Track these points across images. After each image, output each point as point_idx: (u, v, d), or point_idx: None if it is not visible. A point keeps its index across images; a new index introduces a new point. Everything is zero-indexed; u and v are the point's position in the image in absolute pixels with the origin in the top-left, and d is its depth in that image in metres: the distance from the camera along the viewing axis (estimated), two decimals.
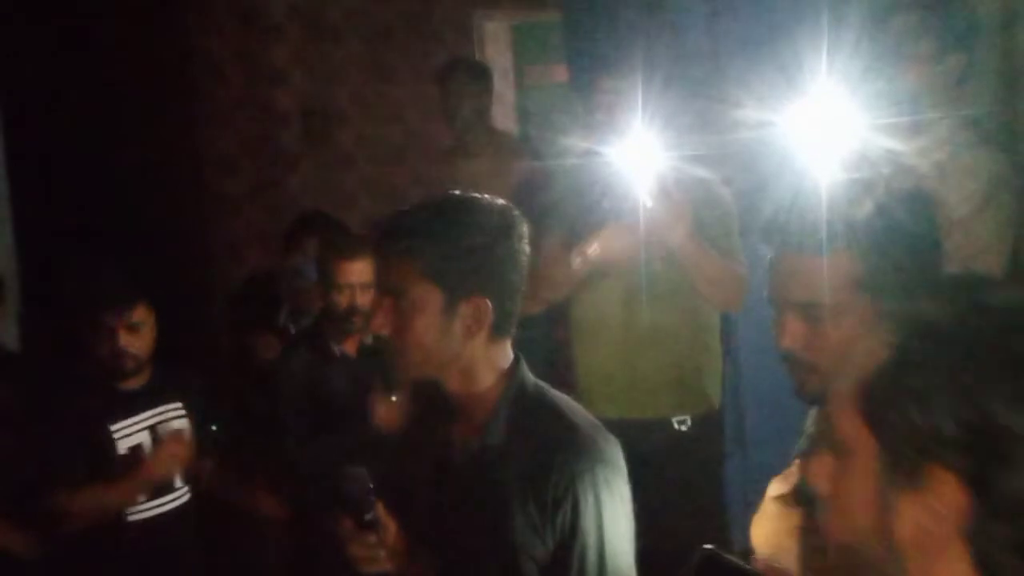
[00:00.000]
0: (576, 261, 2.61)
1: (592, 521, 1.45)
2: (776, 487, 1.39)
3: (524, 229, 1.52)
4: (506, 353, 1.55)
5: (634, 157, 2.39)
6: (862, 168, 1.44)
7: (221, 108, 4.28)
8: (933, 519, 0.75)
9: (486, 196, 1.53)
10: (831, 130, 2.01)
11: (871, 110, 1.97)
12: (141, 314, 2.50)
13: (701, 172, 2.55)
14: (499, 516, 1.47)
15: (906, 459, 0.76)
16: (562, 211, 2.74)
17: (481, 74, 3.71)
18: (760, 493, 1.55)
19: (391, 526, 1.51)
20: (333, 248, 2.78)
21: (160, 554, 2.50)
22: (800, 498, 1.31)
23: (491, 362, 1.52)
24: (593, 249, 2.61)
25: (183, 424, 2.61)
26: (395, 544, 1.52)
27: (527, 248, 1.52)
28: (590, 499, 1.45)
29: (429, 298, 1.46)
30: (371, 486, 1.49)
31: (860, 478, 0.79)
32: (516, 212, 1.53)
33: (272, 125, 4.35)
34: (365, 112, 4.55)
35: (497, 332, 1.50)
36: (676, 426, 2.71)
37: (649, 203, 2.37)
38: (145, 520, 2.50)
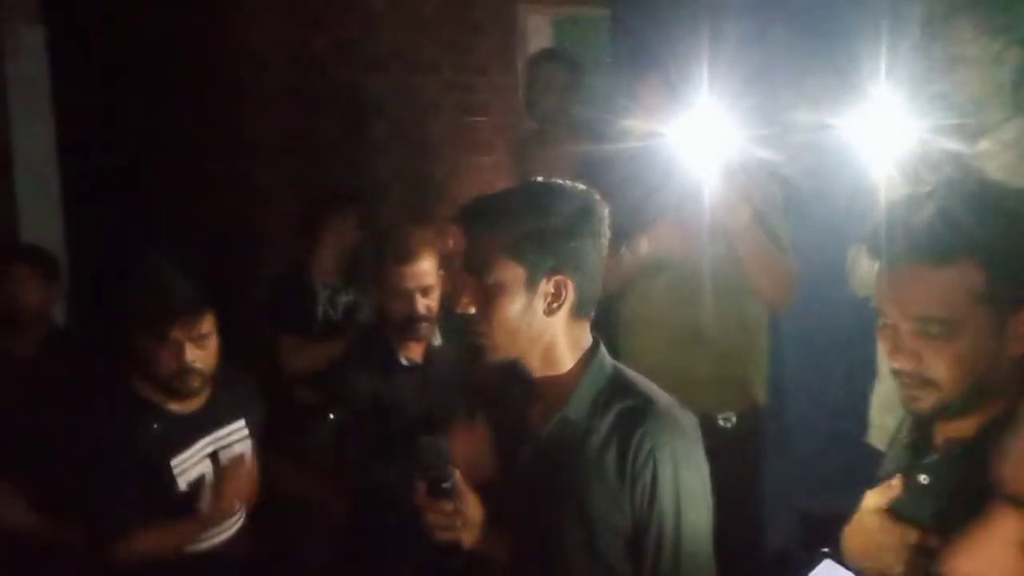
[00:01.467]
0: (626, 256, 2.58)
1: (670, 492, 1.50)
2: (875, 499, 1.36)
3: (605, 213, 1.57)
4: (586, 334, 1.60)
5: (694, 141, 2.34)
6: (991, 178, 1.37)
7: (261, 96, 4.29)
8: None
9: (568, 181, 1.58)
10: (890, 134, 1.98)
11: (932, 113, 1.93)
12: (209, 324, 2.23)
13: (764, 154, 2.50)
14: (579, 489, 1.52)
15: None
16: (621, 197, 2.72)
17: (571, 66, 3.65)
18: (800, 493, 1.53)
19: (470, 497, 1.55)
20: (390, 251, 2.58)
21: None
22: (904, 514, 1.29)
23: (573, 342, 1.58)
24: (644, 245, 2.58)
25: (245, 448, 2.39)
26: (473, 515, 1.55)
27: (607, 232, 1.58)
28: (668, 470, 1.49)
29: (512, 275, 1.51)
30: (447, 456, 1.53)
31: None
32: (597, 196, 1.58)
33: (310, 115, 4.35)
34: (404, 103, 4.54)
35: (579, 312, 1.56)
36: (721, 423, 2.69)
37: (715, 184, 2.33)
38: (206, 549, 2.31)
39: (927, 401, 1.28)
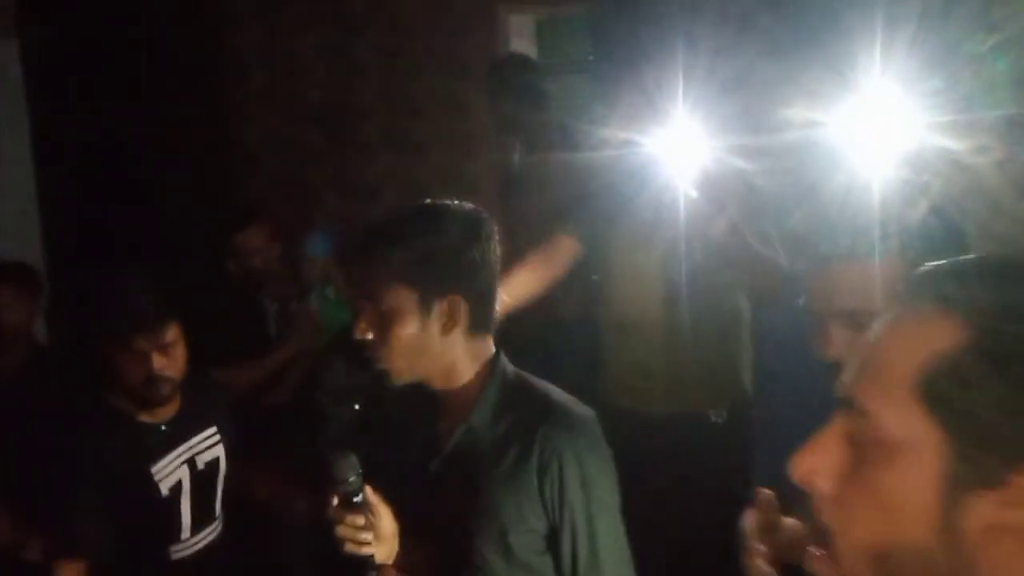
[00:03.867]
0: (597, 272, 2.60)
1: (577, 486, 1.54)
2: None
3: (492, 230, 1.63)
4: (487, 347, 1.65)
5: (672, 148, 2.35)
6: (914, 170, 1.41)
7: (245, 102, 4.25)
8: (1016, 516, 0.68)
9: (456, 201, 1.63)
10: (885, 129, 1.98)
11: (928, 109, 1.94)
12: (173, 334, 2.29)
13: (739, 163, 2.53)
14: (491, 496, 1.57)
15: (987, 453, 0.69)
16: (596, 205, 2.72)
17: (532, 70, 3.64)
18: (784, 486, 1.55)
19: (382, 511, 1.57)
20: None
21: None
22: None
23: (472, 357, 1.63)
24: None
25: (219, 452, 2.46)
26: (386, 529, 1.57)
27: (497, 248, 1.63)
28: (573, 465, 1.54)
29: (405, 300, 1.56)
30: (361, 470, 1.54)
31: (913, 476, 0.72)
32: (484, 215, 1.63)
33: (296, 119, 4.32)
34: (389, 106, 4.52)
35: (475, 328, 1.61)
36: (714, 419, 2.71)
37: (692, 194, 2.34)
38: (186, 557, 2.36)
39: None
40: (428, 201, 1.64)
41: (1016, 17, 2.00)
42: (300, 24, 4.31)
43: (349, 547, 1.56)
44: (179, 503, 2.34)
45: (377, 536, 1.56)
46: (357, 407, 2.57)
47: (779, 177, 2.63)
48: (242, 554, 2.55)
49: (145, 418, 2.33)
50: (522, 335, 2.61)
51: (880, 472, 0.74)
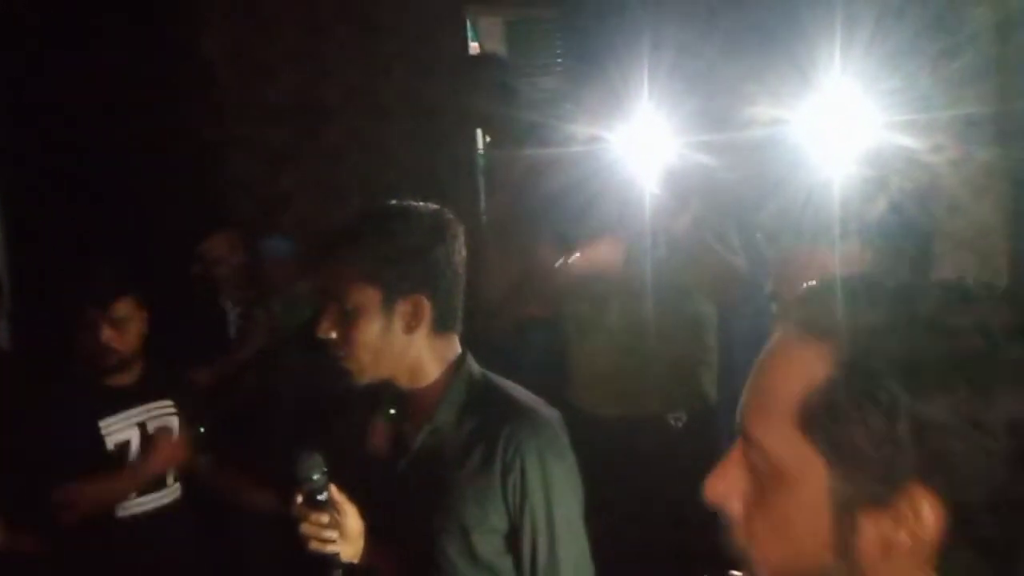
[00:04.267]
0: (560, 266, 2.60)
1: (539, 486, 1.56)
2: None
3: (457, 231, 1.66)
4: (452, 347, 1.67)
5: (638, 145, 2.37)
6: (876, 165, 1.45)
7: (212, 103, 4.23)
8: (905, 535, 0.71)
9: (421, 203, 1.66)
10: (845, 127, 2.02)
11: (886, 108, 1.97)
12: (125, 309, 2.46)
13: (704, 159, 2.54)
14: (454, 495, 1.59)
15: (869, 477, 0.72)
16: (564, 203, 2.72)
17: (501, 70, 3.63)
18: None
19: (347, 509, 1.58)
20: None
21: (152, 551, 2.49)
22: None
23: (437, 356, 1.64)
24: (577, 259, 2.60)
25: (172, 422, 2.59)
26: (351, 527, 1.58)
27: (461, 248, 1.66)
28: (535, 466, 1.56)
29: (369, 298, 1.58)
30: (325, 468, 1.56)
31: (806, 502, 0.75)
32: (450, 216, 1.66)
33: (263, 121, 4.30)
34: (356, 107, 4.51)
35: (440, 328, 1.63)
36: (672, 423, 2.70)
37: (655, 191, 2.36)
38: (135, 516, 2.49)
39: None
40: (394, 202, 1.66)
41: (970, 19, 2.04)
42: (267, 25, 4.29)
43: (314, 545, 1.57)
44: (124, 461, 2.49)
45: (342, 535, 1.57)
46: (202, 430, 2.66)
47: (742, 173, 2.67)
48: (203, 531, 2.69)
49: (105, 381, 2.52)
50: (485, 336, 2.61)
51: (776, 498, 0.77)
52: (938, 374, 0.70)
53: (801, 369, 0.76)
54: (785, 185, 1.41)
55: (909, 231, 1.31)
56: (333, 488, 1.57)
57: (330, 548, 1.57)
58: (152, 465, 2.49)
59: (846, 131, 2.03)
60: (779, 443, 0.76)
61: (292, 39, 4.34)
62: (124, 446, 2.50)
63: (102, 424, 2.47)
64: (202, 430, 2.67)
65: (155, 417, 2.57)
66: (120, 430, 2.50)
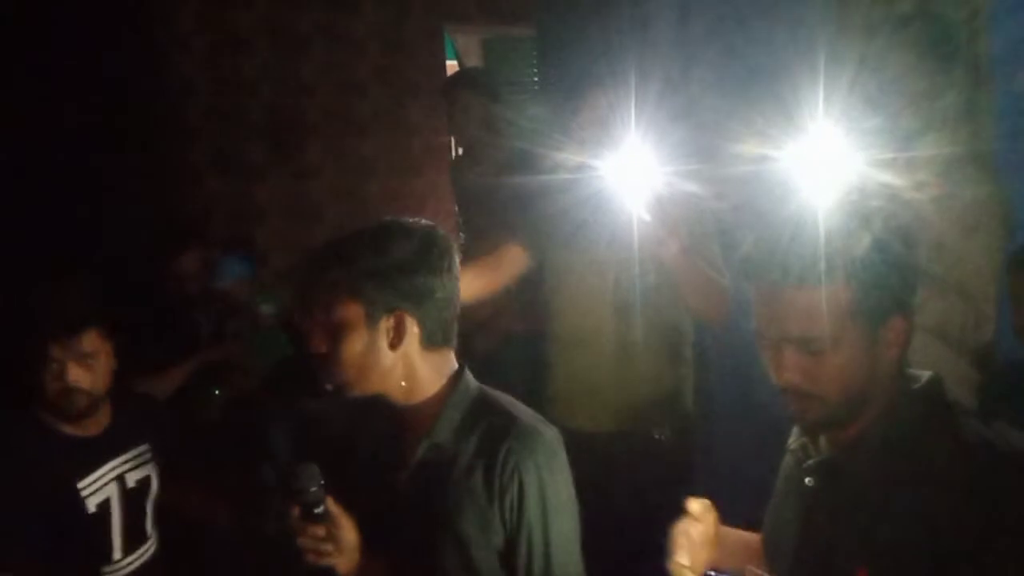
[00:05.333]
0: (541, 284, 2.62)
1: (536, 504, 1.57)
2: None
3: (448, 247, 1.65)
4: (448, 362, 1.67)
5: (618, 167, 2.38)
6: (858, 201, 1.46)
7: (189, 120, 4.19)
8: None
9: (412, 219, 1.66)
10: (829, 165, 2.04)
11: (870, 146, 1.99)
12: (92, 342, 2.15)
13: (691, 187, 2.56)
14: (452, 511, 1.58)
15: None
16: (553, 228, 2.74)
17: (488, 86, 3.62)
18: (729, 503, 1.60)
19: (344, 522, 1.58)
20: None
21: None
22: (794, 514, 1.38)
23: (432, 371, 1.64)
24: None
25: (151, 470, 2.37)
26: (347, 540, 1.58)
27: (452, 264, 1.65)
28: (533, 483, 1.56)
29: (353, 314, 1.58)
30: (322, 481, 1.56)
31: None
32: (441, 233, 1.66)
33: (239, 137, 4.27)
34: (334, 125, 4.50)
35: (431, 343, 1.63)
36: (656, 437, 2.72)
37: (645, 217, 2.37)
38: None
39: (814, 413, 1.34)
40: (387, 219, 1.66)
41: (953, 59, 2.07)
42: (244, 42, 4.26)
43: (310, 558, 1.57)
44: (108, 522, 2.25)
45: (339, 548, 1.57)
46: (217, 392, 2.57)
47: (726, 204, 2.69)
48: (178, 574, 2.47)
49: (72, 431, 2.22)
50: (470, 350, 2.61)
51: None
52: None
53: None
54: (767, 221, 1.42)
55: (894, 269, 1.32)
56: (330, 501, 1.57)
57: (326, 561, 1.57)
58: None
59: (829, 167, 2.05)
60: None
61: (269, 56, 4.31)
62: (105, 505, 2.24)
63: (80, 486, 2.18)
64: (216, 392, 2.55)
65: (133, 468, 2.32)
66: (99, 488, 2.22)
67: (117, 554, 2.28)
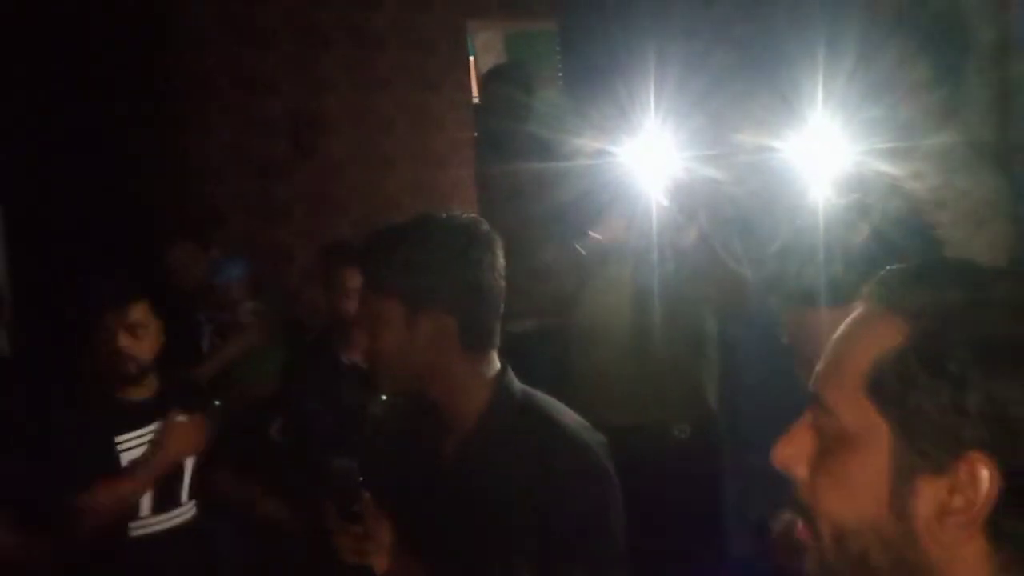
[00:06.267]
0: (580, 252, 2.63)
1: (578, 509, 1.50)
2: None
3: (490, 244, 1.57)
4: (490, 363, 1.59)
5: (639, 159, 2.38)
6: (861, 195, 1.46)
7: (212, 116, 4.27)
8: (961, 500, 0.75)
9: (454, 215, 1.59)
10: (827, 157, 2.04)
11: (868, 137, 2.00)
12: (141, 313, 2.36)
13: (711, 173, 2.55)
14: (490, 517, 1.52)
15: (931, 444, 0.76)
16: (572, 213, 2.75)
17: (524, 85, 3.59)
18: (756, 501, 1.58)
19: (381, 521, 1.55)
20: (336, 254, 2.74)
21: (166, 571, 2.40)
22: None
23: (474, 373, 1.57)
24: (594, 238, 2.61)
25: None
26: (384, 539, 1.55)
27: (495, 261, 1.57)
28: (576, 488, 1.50)
29: (392, 313, 1.53)
30: (359, 479, 1.54)
31: (869, 464, 0.80)
32: (483, 229, 1.58)
33: (261, 134, 4.34)
34: (356, 121, 4.55)
35: (470, 344, 1.55)
36: (676, 434, 2.72)
37: (663, 203, 2.37)
38: (149, 535, 2.38)
39: None
40: (426, 213, 1.61)
41: (951, 49, 2.07)
42: (267, 38, 4.33)
43: (347, 557, 1.55)
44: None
45: (376, 548, 1.54)
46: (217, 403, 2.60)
47: (746, 187, 2.69)
48: (219, 549, 2.57)
49: (121, 395, 2.40)
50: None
51: (841, 459, 0.83)
52: (1009, 352, 0.75)
53: (875, 339, 0.81)
54: (787, 230, 1.41)
55: (893, 260, 1.31)
56: (368, 499, 1.55)
57: (363, 560, 1.54)
58: (168, 453, 2.35)
59: (827, 159, 2.05)
60: (848, 408, 0.81)
61: (291, 52, 4.38)
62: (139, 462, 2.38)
63: (118, 440, 2.35)
64: (217, 404, 2.60)
65: None
66: (136, 447, 2.37)
67: (144, 511, 2.38)
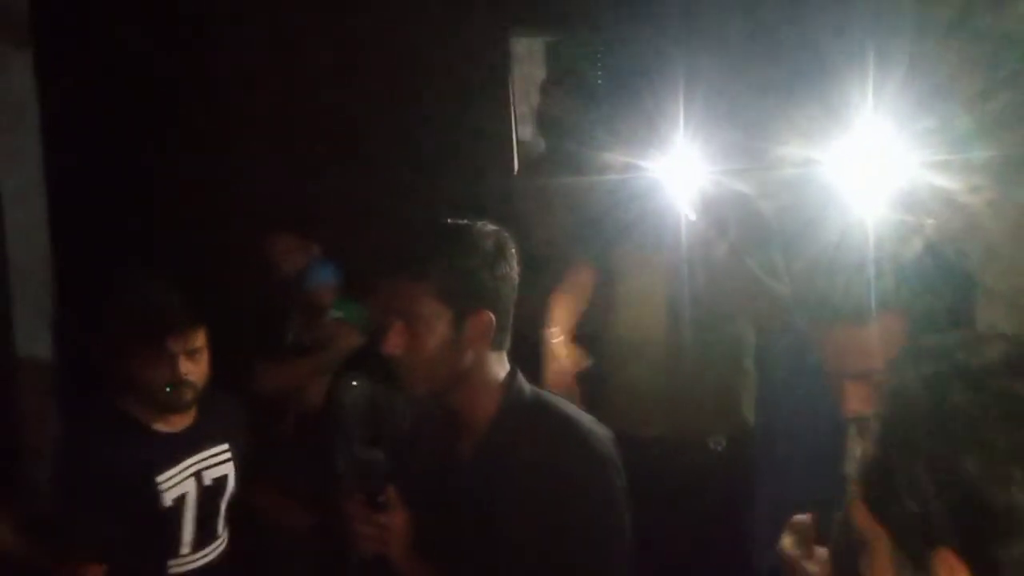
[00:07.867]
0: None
1: (585, 509, 1.54)
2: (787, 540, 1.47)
3: (514, 250, 1.67)
4: (503, 364, 1.67)
5: (675, 172, 2.36)
6: (908, 210, 1.42)
7: (250, 118, 4.28)
8: None
9: (479, 221, 1.67)
10: (876, 169, 1.97)
11: (922, 148, 1.93)
12: (201, 339, 2.28)
13: (741, 187, 2.53)
14: (502, 515, 1.57)
15: (912, 545, 0.78)
16: (602, 228, 2.73)
17: (581, 89, 3.63)
18: (788, 516, 1.56)
19: (402, 513, 1.60)
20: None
21: None
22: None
23: (492, 374, 1.64)
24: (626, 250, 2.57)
25: (229, 469, 2.43)
26: (403, 532, 1.59)
27: (517, 267, 1.66)
28: (589, 491, 1.55)
29: (439, 316, 1.57)
30: (386, 470, 1.60)
31: (880, 567, 0.83)
32: (506, 235, 1.67)
33: (302, 138, 4.35)
34: (396, 127, 4.54)
35: (496, 344, 1.63)
36: (711, 446, 2.70)
37: (692, 217, 2.35)
38: (190, 572, 2.34)
39: None
40: (453, 220, 1.66)
41: (1008, 58, 1.99)
42: (306, 42, 4.33)
43: (368, 545, 1.59)
44: (181, 516, 2.32)
45: (397, 538, 1.59)
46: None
47: (781, 202, 2.64)
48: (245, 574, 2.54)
49: (158, 426, 2.32)
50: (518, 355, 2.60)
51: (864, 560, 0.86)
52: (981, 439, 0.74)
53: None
54: (816, 231, 1.40)
55: (947, 276, 1.29)
56: (391, 491, 1.59)
57: (383, 550, 1.58)
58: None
59: (879, 172, 1.98)
60: (863, 519, 0.85)
61: (331, 56, 4.38)
62: (181, 500, 2.32)
63: (160, 479, 2.27)
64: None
65: (211, 466, 2.39)
66: (177, 483, 2.31)
67: (185, 548, 2.34)
